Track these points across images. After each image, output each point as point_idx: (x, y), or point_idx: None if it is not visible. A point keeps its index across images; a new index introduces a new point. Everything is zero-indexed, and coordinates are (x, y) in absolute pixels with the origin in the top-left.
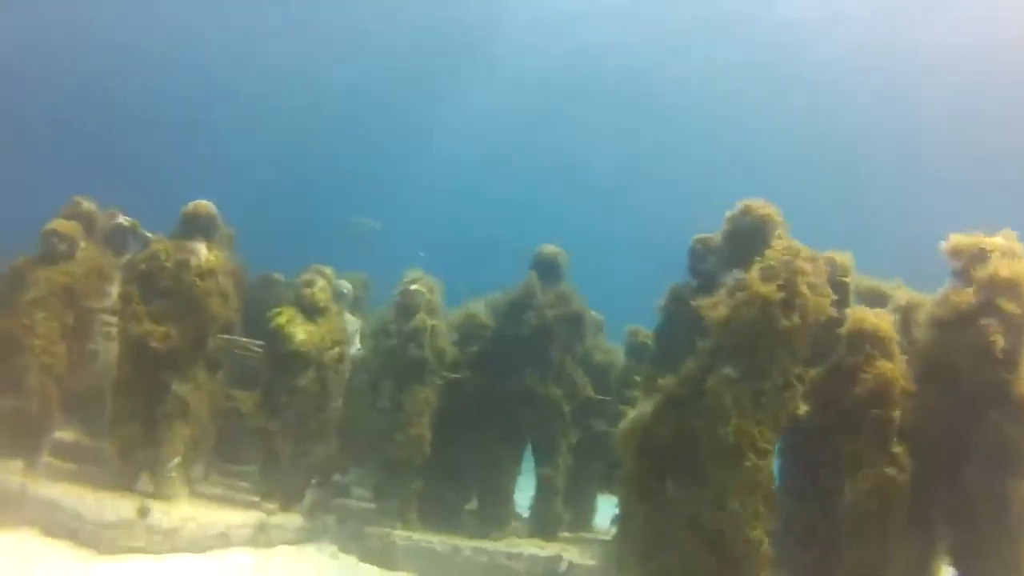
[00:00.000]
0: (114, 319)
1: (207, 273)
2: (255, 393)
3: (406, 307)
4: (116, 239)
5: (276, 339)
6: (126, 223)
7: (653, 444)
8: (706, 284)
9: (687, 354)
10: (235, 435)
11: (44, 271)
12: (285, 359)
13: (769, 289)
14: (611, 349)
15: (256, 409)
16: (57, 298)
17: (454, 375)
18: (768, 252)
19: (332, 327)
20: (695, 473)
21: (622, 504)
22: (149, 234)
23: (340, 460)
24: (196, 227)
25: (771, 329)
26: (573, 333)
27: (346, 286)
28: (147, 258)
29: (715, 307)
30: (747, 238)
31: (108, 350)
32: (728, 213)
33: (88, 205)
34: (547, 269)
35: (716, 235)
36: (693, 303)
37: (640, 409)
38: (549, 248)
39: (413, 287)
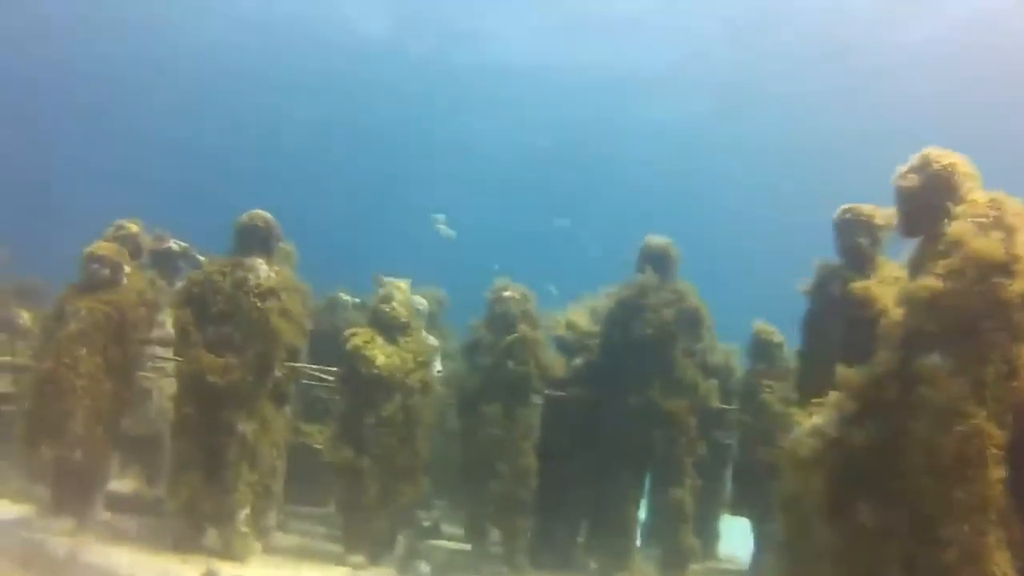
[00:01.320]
0: (167, 352)
1: (268, 293)
2: (330, 426)
3: (501, 318)
4: (166, 265)
5: (353, 363)
6: (176, 247)
7: (842, 458)
8: (859, 261)
9: (847, 347)
10: (306, 472)
11: (86, 300)
12: (365, 386)
13: (990, 247)
14: (726, 350)
15: (332, 444)
16: (101, 331)
17: (559, 392)
18: (962, 209)
19: (416, 347)
20: (901, 492)
21: (786, 532)
22: (202, 258)
23: (428, 496)
24: (253, 241)
25: (993, 301)
26: (692, 334)
27: (421, 302)
28: (200, 280)
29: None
30: (929, 196)
31: (163, 388)
32: (901, 168)
33: (133, 227)
34: (657, 263)
35: (867, 205)
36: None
37: (820, 416)
38: (657, 239)
39: (506, 294)
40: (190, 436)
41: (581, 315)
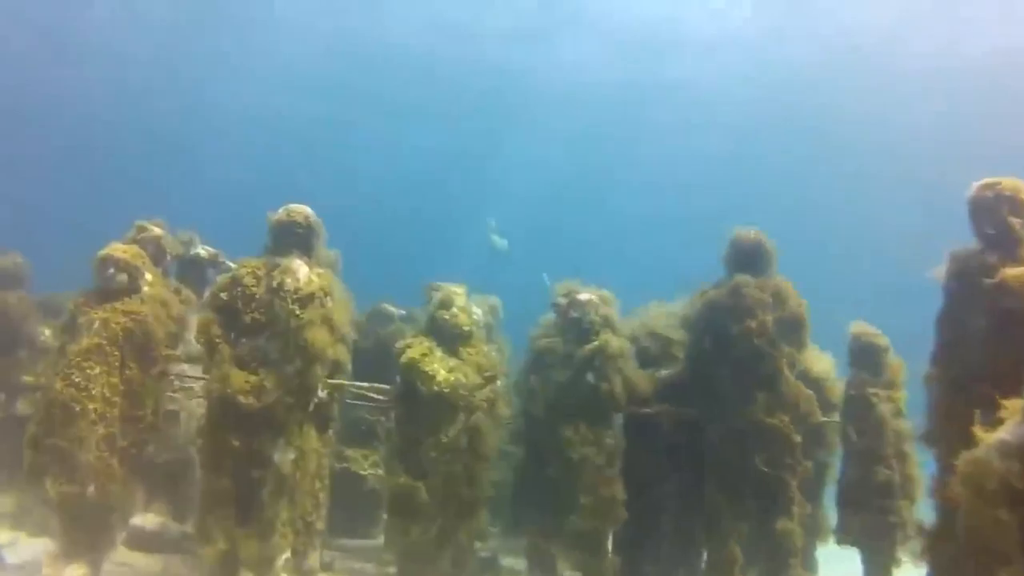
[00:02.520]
0: (196, 370)
1: (309, 298)
2: (376, 450)
3: (576, 325)
4: (193, 272)
5: (410, 380)
6: (205, 253)
7: None
8: (1007, 244)
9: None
10: (350, 501)
11: (100, 311)
12: (424, 405)
13: None
14: (822, 356)
15: (385, 472)
16: (118, 346)
17: (645, 410)
18: None
19: (481, 359)
20: None
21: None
22: (233, 265)
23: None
24: (291, 239)
25: None
26: (794, 342)
27: (476, 311)
28: (229, 286)
29: None
30: None
31: (192, 410)
32: None
33: (156, 230)
34: (751, 260)
35: (1009, 179)
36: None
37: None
38: (750, 233)
39: (583, 296)
40: (220, 468)
41: (660, 318)
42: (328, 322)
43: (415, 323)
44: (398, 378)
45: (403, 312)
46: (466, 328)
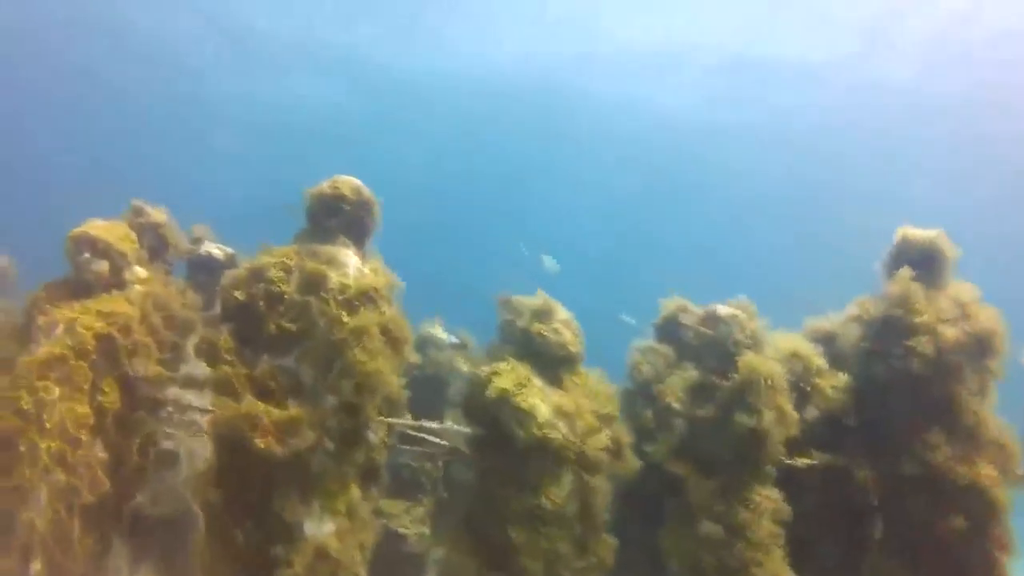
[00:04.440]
0: (197, 397)
1: (361, 300)
2: (424, 504)
3: (720, 346)
4: (201, 273)
5: (499, 419)
6: (219, 253)
7: None
8: None
9: None
10: (385, 563)
11: (66, 309)
12: (516, 455)
13: None
14: None
15: (453, 544)
16: (88, 359)
17: (803, 460)
18: None
19: (594, 391)
20: None
21: None
22: None
23: None
24: (337, 219)
25: None
26: (980, 364)
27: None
28: (248, 281)
29: None
30: None
31: (192, 451)
32: None
33: (157, 215)
34: (923, 264)
35: None
36: None
37: None
38: (920, 233)
39: (725, 310)
40: (229, 535)
41: (799, 342)
42: (388, 335)
43: (465, 351)
44: (464, 416)
45: (455, 340)
46: (572, 349)
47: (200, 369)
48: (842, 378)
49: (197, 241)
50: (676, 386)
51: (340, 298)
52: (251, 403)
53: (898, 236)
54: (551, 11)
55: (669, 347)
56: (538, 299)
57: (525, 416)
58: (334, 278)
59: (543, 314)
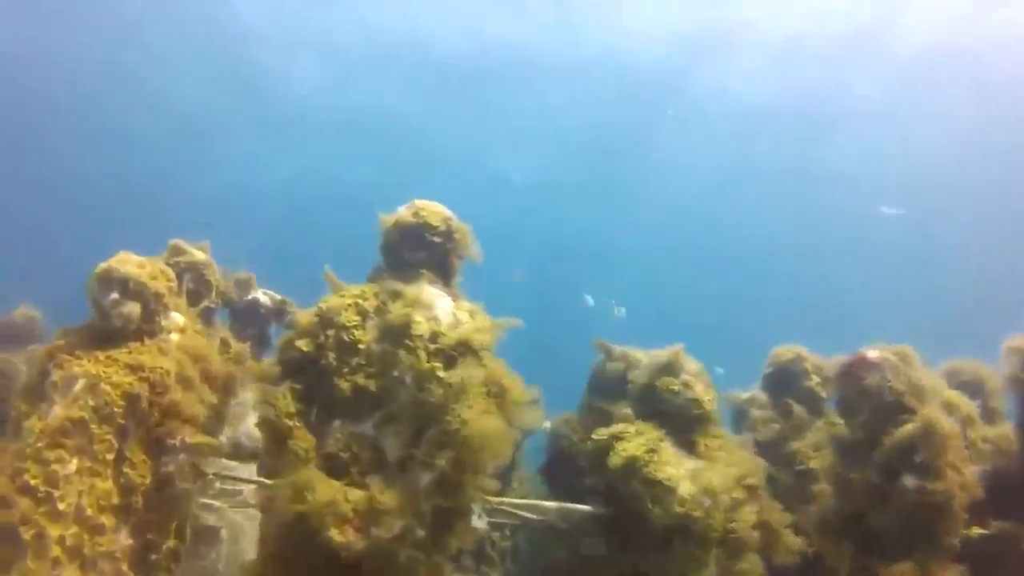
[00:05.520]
0: (249, 470)
1: (460, 351)
2: None
3: (876, 398)
4: (249, 324)
5: (628, 493)
6: (269, 300)
7: None
8: None
9: None
10: None
11: (88, 362)
12: (650, 535)
13: None
14: None
15: None
16: (113, 423)
17: (978, 529)
18: None
19: (734, 458)
20: None
21: None
22: None
23: None
24: (422, 253)
25: None
26: None
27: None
28: (315, 328)
29: None
30: None
31: (236, 528)
32: None
33: (198, 253)
34: None
35: None
36: None
37: None
38: None
39: (875, 355)
40: None
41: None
42: (497, 394)
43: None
44: (591, 486)
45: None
46: (708, 408)
47: (248, 433)
48: (1004, 430)
49: (243, 285)
50: (817, 445)
51: (432, 348)
52: (322, 483)
53: None
54: None
55: (788, 400)
56: (671, 352)
57: (661, 489)
58: (423, 323)
59: (671, 368)
